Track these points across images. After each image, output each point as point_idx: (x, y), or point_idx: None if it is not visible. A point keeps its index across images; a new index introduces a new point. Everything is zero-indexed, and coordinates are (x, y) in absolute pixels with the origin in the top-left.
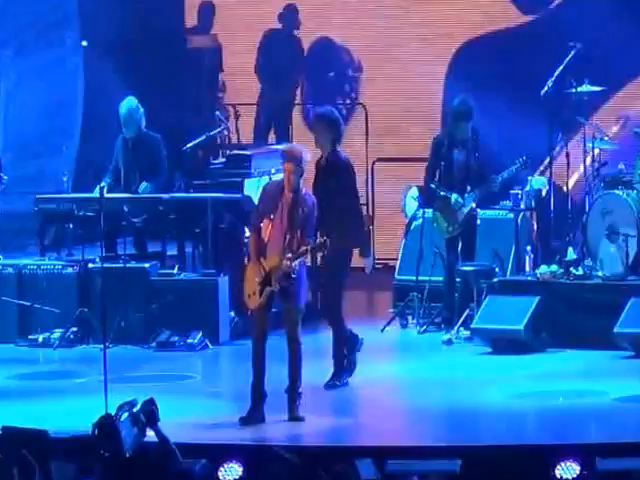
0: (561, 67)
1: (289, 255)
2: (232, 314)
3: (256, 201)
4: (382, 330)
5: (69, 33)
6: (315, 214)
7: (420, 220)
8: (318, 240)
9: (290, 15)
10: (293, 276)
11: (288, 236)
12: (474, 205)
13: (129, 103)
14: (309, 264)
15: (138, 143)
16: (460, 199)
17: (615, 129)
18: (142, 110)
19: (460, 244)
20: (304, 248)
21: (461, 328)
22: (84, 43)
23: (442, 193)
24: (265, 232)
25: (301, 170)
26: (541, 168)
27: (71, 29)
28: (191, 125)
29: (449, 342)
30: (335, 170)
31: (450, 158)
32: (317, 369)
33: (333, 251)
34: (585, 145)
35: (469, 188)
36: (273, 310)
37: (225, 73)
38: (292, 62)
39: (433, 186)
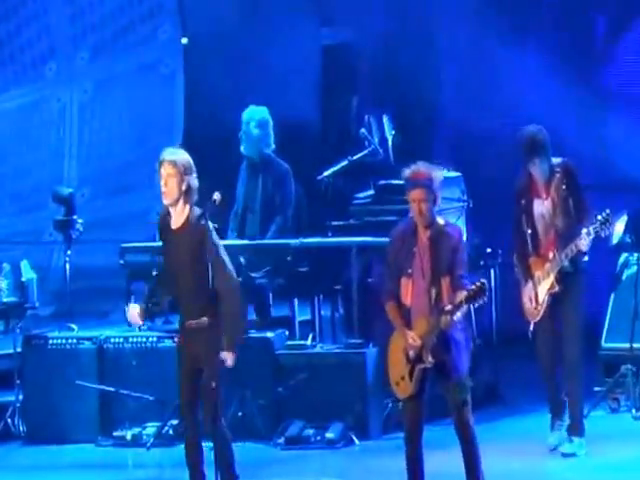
0: None
1: (448, 308)
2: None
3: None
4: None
5: (164, 27)
6: (465, 248)
7: (634, 267)
8: (475, 284)
9: None
10: (457, 338)
11: (434, 290)
12: None
13: (259, 113)
14: None
15: (264, 170)
16: None
17: None
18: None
19: None
20: (462, 295)
21: None
22: (184, 40)
23: None
24: (405, 294)
25: (433, 196)
26: None
27: (167, 22)
28: (326, 146)
29: None
30: None
31: None
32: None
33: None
34: None
35: None
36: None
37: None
38: None
39: None
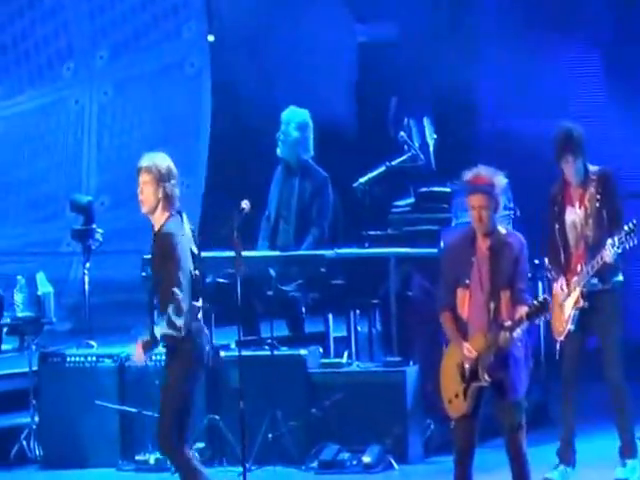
0: None
1: (507, 324)
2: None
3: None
4: None
5: (189, 24)
6: (526, 259)
7: None
8: (537, 300)
9: None
10: (516, 355)
11: (492, 304)
12: None
13: (299, 115)
14: None
15: (301, 176)
16: None
17: None
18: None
19: None
20: (523, 310)
21: None
22: (211, 38)
23: None
24: (462, 306)
25: (495, 203)
26: None
27: (192, 18)
28: (362, 150)
29: None
30: None
31: None
32: None
33: None
34: None
35: None
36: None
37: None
38: None
39: None
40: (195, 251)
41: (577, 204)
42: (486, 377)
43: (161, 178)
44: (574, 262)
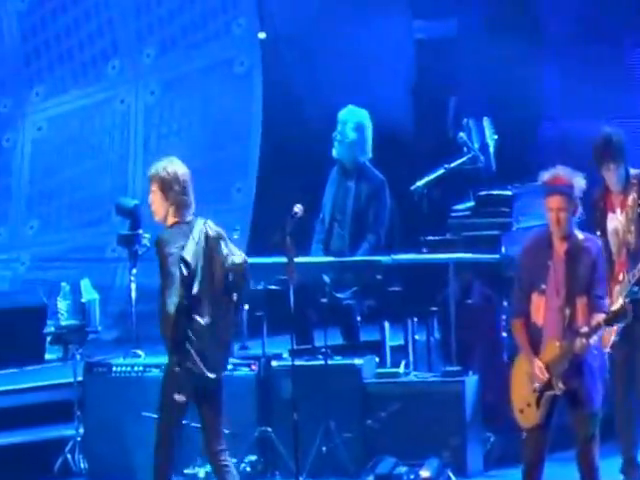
0: None
1: (584, 330)
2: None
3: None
4: None
5: (239, 21)
6: (604, 264)
7: None
8: (615, 305)
9: None
10: (591, 363)
11: (568, 310)
12: None
13: (357, 116)
14: None
15: (357, 179)
16: None
17: None
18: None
19: None
20: (600, 317)
21: None
22: (262, 35)
23: None
24: (536, 312)
25: (573, 205)
26: None
27: (242, 15)
28: (420, 152)
29: None
30: None
31: None
32: None
33: None
34: None
35: None
36: None
37: None
38: None
39: None
40: (220, 258)
41: (618, 210)
42: (560, 385)
43: (165, 186)
44: (617, 270)
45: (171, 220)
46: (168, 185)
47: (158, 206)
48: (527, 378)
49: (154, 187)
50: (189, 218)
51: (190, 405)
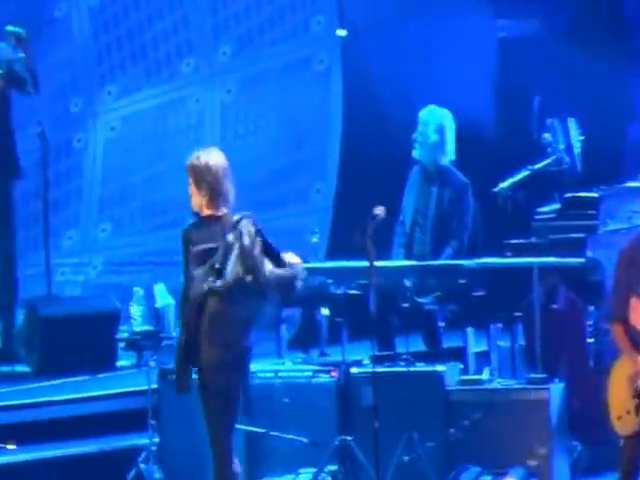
0: None
1: None
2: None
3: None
4: None
5: (317, 17)
6: None
7: None
8: None
9: None
10: None
11: None
12: None
13: (439, 117)
14: None
15: (439, 182)
16: None
17: None
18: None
19: None
20: None
21: None
22: (342, 32)
23: None
24: (636, 316)
25: None
26: None
27: (321, 11)
28: (503, 153)
29: None
30: None
31: None
32: None
33: None
34: None
35: None
36: None
37: None
38: None
39: None
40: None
41: None
42: None
43: (197, 177)
44: None
45: (206, 212)
46: (200, 176)
47: (194, 197)
48: (628, 383)
49: (190, 179)
50: (223, 211)
51: (274, 411)
